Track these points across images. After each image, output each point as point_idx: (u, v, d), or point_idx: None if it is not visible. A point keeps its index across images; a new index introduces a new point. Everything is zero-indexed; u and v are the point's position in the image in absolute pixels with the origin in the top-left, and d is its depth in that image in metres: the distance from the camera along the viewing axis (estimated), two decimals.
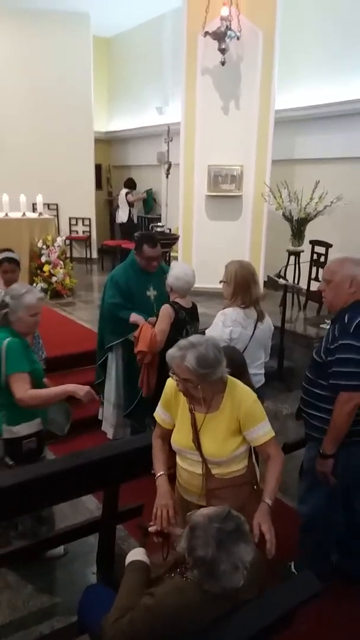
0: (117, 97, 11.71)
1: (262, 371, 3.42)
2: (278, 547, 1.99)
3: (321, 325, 5.70)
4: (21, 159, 9.77)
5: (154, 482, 2.28)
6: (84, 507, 3.41)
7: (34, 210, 8.52)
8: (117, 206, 10.64)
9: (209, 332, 3.25)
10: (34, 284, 7.57)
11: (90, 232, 10.79)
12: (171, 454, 2.37)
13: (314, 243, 6.61)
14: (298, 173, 7.42)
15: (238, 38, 6.55)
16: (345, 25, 6.74)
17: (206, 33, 6.55)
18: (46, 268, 7.68)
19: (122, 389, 4.12)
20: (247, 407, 2.17)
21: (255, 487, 2.27)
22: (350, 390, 2.42)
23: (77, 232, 10.78)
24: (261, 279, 3.48)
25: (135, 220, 10.55)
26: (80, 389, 2.67)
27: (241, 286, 3.23)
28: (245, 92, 6.98)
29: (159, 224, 7.72)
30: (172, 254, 7.68)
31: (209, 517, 1.70)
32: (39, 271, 7.71)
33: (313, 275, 6.58)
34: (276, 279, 5.41)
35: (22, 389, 2.61)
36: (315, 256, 6.59)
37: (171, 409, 2.32)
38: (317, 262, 6.55)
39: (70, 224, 10.71)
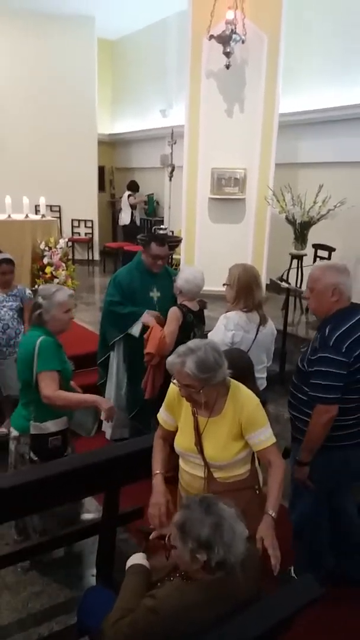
0: (121, 99, 11.74)
1: (265, 375, 3.42)
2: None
3: None
4: (24, 160, 9.78)
5: None
6: (84, 509, 3.41)
7: (37, 212, 8.53)
8: (120, 208, 10.66)
9: (211, 335, 3.25)
10: (36, 286, 7.58)
11: (92, 234, 10.80)
12: (172, 456, 2.37)
13: (316, 247, 6.61)
14: (301, 177, 7.42)
15: (243, 42, 6.56)
16: (350, 30, 6.74)
17: (211, 36, 6.56)
18: (48, 270, 7.67)
19: (122, 389, 4.14)
20: (249, 411, 2.17)
21: (257, 491, 2.27)
22: (328, 403, 2.44)
23: (79, 234, 10.79)
24: (263, 282, 3.48)
25: (137, 223, 10.55)
26: (105, 403, 2.80)
27: (244, 290, 3.23)
28: (249, 95, 6.99)
29: (161, 226, 7.73)
30: (174, 257, 7.69)
31: (189, 507, 1.73)
32: (41, 273, 7.71)
33: None
34: (278, 282, 5.42)
35: (51, 387, 2.69)
36: (318, 260, 6.59)
37: (174, 412, 2.33)
38: None
39: (72, 226, 10.72)
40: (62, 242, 8.01)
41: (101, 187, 11.48)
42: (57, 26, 9.69)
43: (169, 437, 2.36)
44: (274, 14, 6.66)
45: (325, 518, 2.76)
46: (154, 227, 7.81)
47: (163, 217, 9.88)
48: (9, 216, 7.64)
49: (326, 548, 2.85)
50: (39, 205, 8.27)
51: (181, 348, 2.14)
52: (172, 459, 2.38)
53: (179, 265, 7.64)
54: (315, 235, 6.53)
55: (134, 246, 9.32)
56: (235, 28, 6.46)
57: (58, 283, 7.66)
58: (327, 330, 2.46)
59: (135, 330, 3.86)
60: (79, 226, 10.77)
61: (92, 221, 10.75)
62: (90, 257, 10.72)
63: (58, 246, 7.87)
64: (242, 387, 2.25)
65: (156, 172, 10.57)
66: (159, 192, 10.70)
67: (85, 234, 10.79)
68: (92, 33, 10.05)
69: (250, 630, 1.68)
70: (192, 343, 2.14)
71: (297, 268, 6.64)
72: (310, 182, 6.51)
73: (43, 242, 7.79)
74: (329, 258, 6.38)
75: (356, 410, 2.54)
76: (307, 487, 2.61)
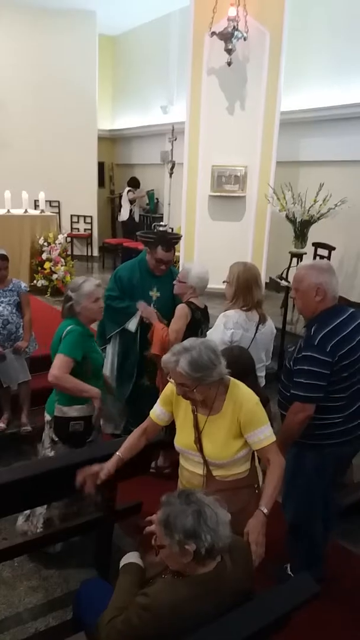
0: (121, 95, 11.71)
1: (263, 374, 3.41)
2: (274, 549, 1.99)
3: None
4: (24, 155, 9.76)
5: (153, 480, 2.28)
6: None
7: (36, 207, 8.52)
8: (120, 204, 10.64)
9: (210, 333, 3.24)
10: (35, 281, 7.58)
11: (91, 229, 10.79)
12: (172, 452, 2.36)
13: (316, 245, 6.60)
14: (302, 175, 7.41)
15: (245, 39, 6.54)
16: (354, 27, 6.73)
17: (213, 33, 6.54)
18: (47, 265, 7.67)
19: (114, 383, 4.14)
20: (248, 410, 2.16)
21: (257, 490, 2.27)
22: (306, 402, 2.46)
23: (78, 229, 10.78)
24: (263, 280, 3.46)
25: (136, 219, 10.52)
26: (97, 402, 2.88)
27: (243, 288, 3.22)
28: (251, 93, 6.97)
29: (161, 223, 7.70)
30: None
31: (169, 502, 1.74)
32: (39, 268, 7.71)
33: None
34: (278, 280, 5.41)
35: (61, 369, 2.78)
36: (317, 258, 6.58)
37: (170, 407, 2.33)
38: None
39: (71, 222, 10.71)
40: (61, 238, 8.01)
41: (101, 183, 11.47)
42: (58, 21, 9.67)
43: (152, 429, 2.39)
44: (276, 11, 6.63)
45: (320, 515, 2.76)
46: (153, 224, 7.80)
47: (163, 214, 9.86)
48: (8, 211, 7.63)
49: (322, 541, 2.86)
50: (38, 201, 8.26)
51: (176, 347, 2.15)
52: (171, 455, 2.38)
53: (178, 262, 7.63)
54: (315, 234, 6.51)
55: (134, 242, 9.31)
56: (237, 25, 6.44)
57: (56, 279, 7.66)
58: (312, 330, 2.47)
59: (132, 325, 3.85)
60: (78, 222, 10.76)
61: (91, 217, 10.74)
62: (89, 253, 10.71)
63: (57, 242, 7.87)
64: (242, 386, 2.24)
65: (156, 169, 10.55)
66: (159, 189, 10.68)
67: (85, 229, 10.78)
68: (93, 28, 10.02)
69: (244, 629, 1.68)
70: (188, 342, 2.15)
71: (297, 266, 6.62)
72: (311, 180, 6.50)
73: (42, 238, 7.79)
74: (329, 257, 6.38)
75: (345, 408, 2.55)
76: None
